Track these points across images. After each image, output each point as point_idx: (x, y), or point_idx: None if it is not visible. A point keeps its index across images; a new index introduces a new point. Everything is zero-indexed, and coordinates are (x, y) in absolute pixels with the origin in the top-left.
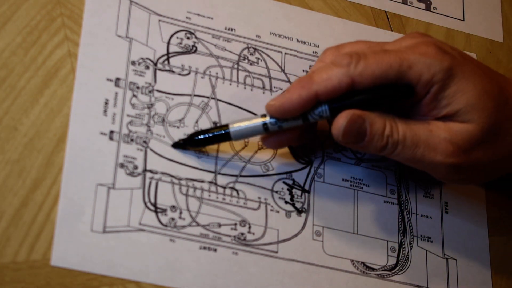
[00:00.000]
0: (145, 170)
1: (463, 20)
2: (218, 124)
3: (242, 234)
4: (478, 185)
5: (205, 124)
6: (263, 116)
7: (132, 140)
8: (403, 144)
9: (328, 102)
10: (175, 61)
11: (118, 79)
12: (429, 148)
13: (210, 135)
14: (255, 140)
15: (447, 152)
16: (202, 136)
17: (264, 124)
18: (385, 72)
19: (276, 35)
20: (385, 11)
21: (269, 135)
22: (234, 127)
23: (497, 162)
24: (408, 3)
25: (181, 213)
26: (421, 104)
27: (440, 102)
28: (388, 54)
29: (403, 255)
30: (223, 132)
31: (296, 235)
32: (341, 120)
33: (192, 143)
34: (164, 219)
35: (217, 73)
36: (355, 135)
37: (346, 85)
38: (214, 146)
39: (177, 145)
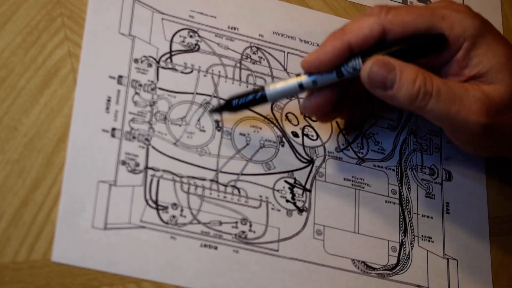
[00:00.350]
0: (146, 167)
1: None
2: (220, 123)
3: (243, 232)
4: (493, 157)
5: (207, 123)
6: (298, 75)
7: (134, 137)
8: (438, 98)
9: (361, 54)
10: (177, 59)
11: (120, 76)
12: (464, 106)
13: (248, 98)
14: (257, 138)
15: (481, 111)
16: (239, 101)
17: (300, 84)
18: (416, 20)
19: (279, 34)
20: None
21: (307, 99)
22: (270, 89)
23: None
24: (408, 3)
25: (182, 210)
26: (452, 62)
27: (472, 60)
28: (420, 7)
29: (404, 255)
30: (260, 94)
31: (297, 233)
32: (368, 64)
33: (229, 108)
34: (165, 217)
35: (219, 72)
36: (383, 80)
37: (377, 33)
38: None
39: (215, 110)
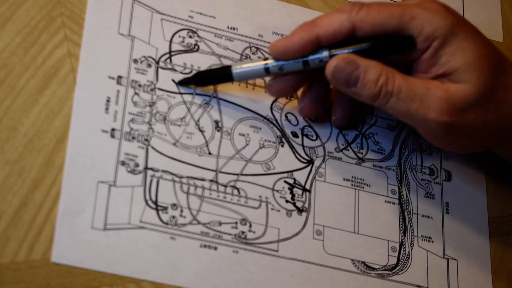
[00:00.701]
0: (146, 168)
1: None
2: (220, 124)
3: (243, 232)
4: (463, 153)
5: (206, 123)
6: (266, 59)
7: (133, 138)
8: (397, 97)
9: (328, 47)
10: (177, 59)
11: (120, 77)
12: (424, 105)
13: (214, 74)
14: (257, 138)
15: (441, 110)
16: (206, 75)
17: (266, 67)
18: (386, 20)
19: (278, 34)
20: None
21: (273, 80)
22: (237, 68)
23: (487, 129)
24: None
25: (182, 211)
26: (420, 60)
27: (440, 59)
28: (391, 5)
29: (403, 255)
30: (226, 72)
31: (296, 234)
32: (333, 61)
33: (196, 82)
34: (165, 217)
35: None
36: (347, 78)
37: (346, 30)
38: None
39: (182, 82)
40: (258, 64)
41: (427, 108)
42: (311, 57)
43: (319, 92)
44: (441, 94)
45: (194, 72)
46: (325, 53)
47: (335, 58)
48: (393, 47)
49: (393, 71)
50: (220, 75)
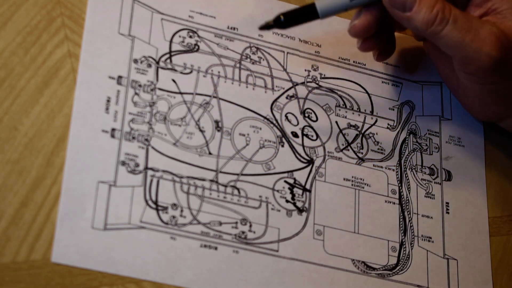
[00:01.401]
0: (146, 168)
1: None
2: (220, 124)
3: (243, 232)
4: (493, 119)
5: (206, 123)
6: None
7: (133, 138)
8: (454, 25)
9: None
10: (177, 59)
11: (120, 77)
12: (479, 36)
13: (298, 12)
14: (256, 138)
15: (496, 44)
16: (289, 16)
17: None
18: None
19: (278, 34)
20: None
21: (355, 18)
22: (320, 3)
23: None
24: None
25: (182, 211)
26: None
27: None
28: None
29: (403, 255)
30: (310, 8)
31: (297, 234)
32: None
33: (279, 24)
34: (165, 217)
35: (219, 72)
36: (402, 1)
37: None
38: None
39: (264, 27)
40: (343, 2)
41: (481, 40)
42: None
43: (376, 14)
44: (495, 30)
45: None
46: None
47: None
48: None
49: (449, 3)
50: (305, 12)
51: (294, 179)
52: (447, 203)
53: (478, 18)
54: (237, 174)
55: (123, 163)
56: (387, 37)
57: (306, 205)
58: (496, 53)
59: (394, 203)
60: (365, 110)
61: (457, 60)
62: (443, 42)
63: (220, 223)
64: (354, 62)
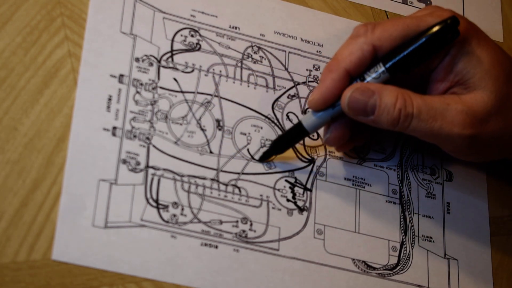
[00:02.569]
0: (147, 166)
1: None
2: (221, 123)
3: (244, 231)
4: (488, 161)
5: (208, 122)
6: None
7: (135, 136)
8: (419, 118)
9: (382, 60)
10: (179, 58)
11: (121, 75)
12: (446, 121)
13: (290, 136)
14: (257, 137)
15: (464, 123)
16: (283, 141)
17: (332, 116)
18: (403, 32)
19: (280, 34)
20: (385, 11)
21: (327, 132)
22: (308, 123)
23: (507, 135)
24: (408, 3)
25: (182, 209)
26: (438, 68)
27: (457, 66)
28: (404, 18)
29: (404, 254)
30: (300, 129)
31: (297, 233)
32: (347, 92)
33: (276, 151)
34: (166, 216)
35: (220, 71)
36: (363, 107)
37: (369, 53)
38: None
39: (263, 158)
40: (326, 116)
41: (450, 124)
42: (367, 74)
43: (345, 122)
44: (461, 108)
45: (266, 146)
46: (381, 67)
47: (348, 90)
48: (443, 33)
49: (409, 93)
50: (297, 134)
51: (295, 178)
52: (448, 203)
53: (443, 98)
54: (238, 173)
55: (124, 162)
56: (365, 134)
57: (307, 204)
58: (467, 131)
59: (395, 203)
60: None
61: (434, 143)
62: (414, 134)
63: (221, 222)
64: None
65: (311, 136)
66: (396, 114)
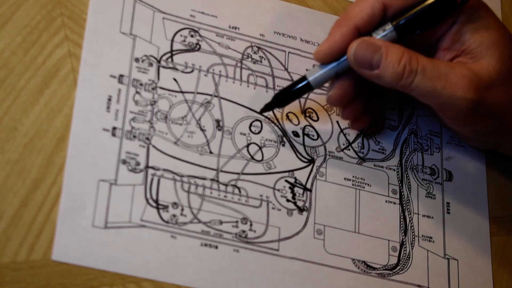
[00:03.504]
0: (147, 166)
1: None
2: (221, 123)
3: (244, 231)
4: (482, 142)
5: (207, 122)
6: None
7: (134, 136)
8: (423, 75)
9: (390, 20)
10: (178, 58)
11: (121, 75)
12: (450, 82)
13: (294, 89)
14: (258, 138)
15: (468, 87)
16: (285, 93)
17: (337, 70)
18: None
19: (280, 34)
20: None
21: (330, 89)
22: (312, 76)
23: (509, 110)
24: None
25: (182, 210)
26: (445, 36)
27: (464, 35)
28: None
29: (404, 254)
30: (304, 83)
31: (297, 233)
32: (353, 44)
33: (278, 103)
34: (166, 216)
35: (220, 71)
36: (369, 59)
37: (379, 11)
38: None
39: (265, 109)
40: (331, 70)
41: (453, 85)
42: (376, 32)
43: (348, 80)
44: (466, 72)
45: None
46: (389, 27)
47: (355, 42)
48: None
49: (415, 52)
50: (300, 87)
51: (295, 178)
52: (448, 203)
53: (448, 62)
54: (238, 173)
55: (124, 162)
56: (369, 102)
57: (307, 204)
58: (471, 95)
59: (394, 203)
60: None
61: (434, 107)
62: (416, 93)
63: (221, 222)
64: None
65: (311, 136)
66: (401, 69)
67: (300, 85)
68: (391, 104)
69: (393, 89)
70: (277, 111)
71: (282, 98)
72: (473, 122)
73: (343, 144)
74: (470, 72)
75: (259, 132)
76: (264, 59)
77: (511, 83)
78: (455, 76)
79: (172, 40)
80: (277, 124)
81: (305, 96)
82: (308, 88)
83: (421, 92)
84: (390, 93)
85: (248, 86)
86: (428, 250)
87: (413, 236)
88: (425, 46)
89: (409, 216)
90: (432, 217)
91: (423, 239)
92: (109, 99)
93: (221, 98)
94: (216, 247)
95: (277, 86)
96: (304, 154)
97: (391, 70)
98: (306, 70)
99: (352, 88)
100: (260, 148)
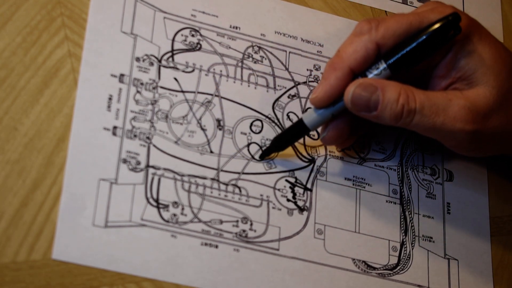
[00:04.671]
0: (147, 166)
1: None
2: (222, 122)
3: (244, 231)
4: (487, 156)
5: (208, 122)
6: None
7: (135, 136)
8: (422, 113)
9: (383, 57)
10: (179, 58)
11: (122, 75)
12: (449, 116)
13: (291, 133)
14: (258, 138)
15: (467, 119)
16: (283, 138)
17: (333, 114)
18: (406, 30)
19: (280, 34)
20: (385, 11)
21: (325, 131)
22: (309, 121)
23: (509, 131)
24: (408, 3)
25: (183, 209)
26: (441, 64)
27: (459, 62)
28: (407, 15)
29: (404, 254)
30: (301, 127)
31: (297, 233)
32: (350, 88)
33: (276, 148)
34: (166, 215)
35: (221, 71)
36: (366, 103)
37: (373, 51)
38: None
39: (263, 155)
40: (327, 113)
41: (452, 119)
42: (369, 72)
43: (344, 121)
44: (463, 103)
45: (267, 143)
46: (382, 65)
47: (351, 85)
48: (444, 30)
49: (412, 88)
50: (297, 132)
51: (296, 178)
52: (448, 203)
53: (445, 93)
54: (238, 173)
55: (125, 161)
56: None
57: (307, 204)
58: (470, 127)
59: (395, 203)
60: None
61: (436, 139)
62: (417, 130)
63: (221, 222)
64: None
65: (311, 135)
66: (399, 109)
67: (297, 129)
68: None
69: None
70: (278, 111)
71: (280, 142)
72: (475, 147)
73: None
74: (467, 102)
75: (260, 131)
76: (265, 58)
77: (511, 102)
78: (453, 109)
79: (173, 40)
80: (278, 123)
81: (306, 95)
82: (306, 130)
83: (421, 128)
84: (386, 128)
85: (248, 86)
86: (428, 250)
87: (414, 236)
88: (420, 73)
89: (410, 216)
90: (433, 217)
91: (423, 239)
92: (110, 99)
93: (222, 97)
94: (217, 246)
95: (278, 86)
96: (304, 153)
97: (389, 111)
98: (307, 70)
99: (347, 128)
100: (261, 147)
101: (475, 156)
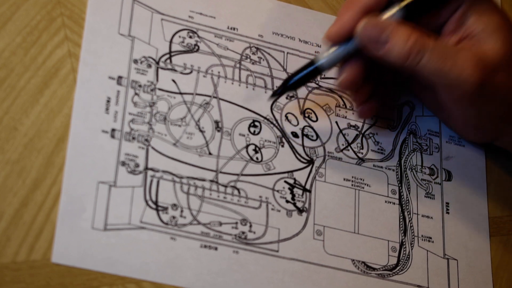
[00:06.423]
0: (146, 168)
1: None
2: (220, 124)
3: (243, 233)
4: (480, 137)
5: (206, 123)
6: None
7: (133, 138)
8: (431, 55)
9: (398, 1)
10: (177, 59)
11: (120, 77)
12: (457, 63)
13: (302, 73)
14: (257, 139)
15: (475, 68)
16: (295, 79)
17: (349, 51)
18: None
19: (278, 34)
20: None
21: (340, 73)
22: (321, 60)
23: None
24: None
25: (182, 211)
26: (450, 20)
27: (469, 19)
28: None
29: (404, 255)
30: (313, 67)
31: (297, 234)
32: (362, 23)
33: (287, 88)
34: (165, 217)
35: (219, 72)
36: (376, 38)
37: None
38: None
39: (274, 95)
40: (341, 50)
41: (460, 66)
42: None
43: (357, 63)
44: (473, 54)
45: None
46: (395, 9)
47: (363, 21)
48: None
49: (423, 31)
50: (309, 71)
51: (294, 179)
52: (447, 203)
53: (454, 45)
54: (237, 174)
55: (123, 164)
56: (377, 88)
57: (306, 205)
58: (477, 77)
59: (394, 203)
60: None
61: (440, 89)
62: (422, 72)
63: (220, 224)
64: None
65: (310, 136)
66: (408, 47)
67: (310, 68)
68: (391, 103)
69: (399, 78)
70: (276, 112)
71: (292, 81)
72: (478, 105)
73: (342, 145)
74: (476, 55)
75: (258, 133)
76: (263, 59)
77: None
78: (462, 57)
79: (171, 41)
80: (276, 125)
81: (304, 96)
82: (317, 70)
83: (428, 71)
84: (396, 78)
85: (247, 87)
86: (427, 250)
87: (413, 236)
88: (429, 30)
89: (409, 216)
90: (432, 217)
91: (422, 239)
92: (108, 101)
93: (220, 99)
94: (216, 248)
95: (276, 86)
96: (303, 154)
97: (398, 49)
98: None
99: (361, 71)
100: (259, 149)
101: (469, 121)
